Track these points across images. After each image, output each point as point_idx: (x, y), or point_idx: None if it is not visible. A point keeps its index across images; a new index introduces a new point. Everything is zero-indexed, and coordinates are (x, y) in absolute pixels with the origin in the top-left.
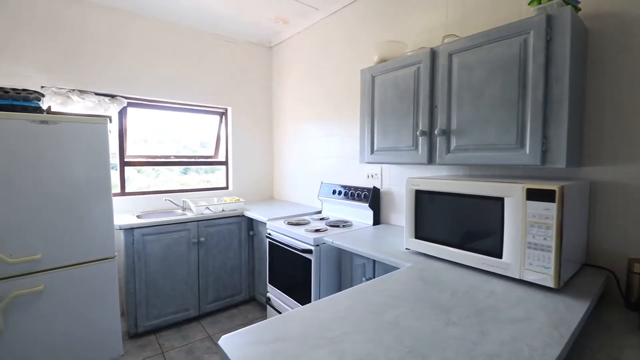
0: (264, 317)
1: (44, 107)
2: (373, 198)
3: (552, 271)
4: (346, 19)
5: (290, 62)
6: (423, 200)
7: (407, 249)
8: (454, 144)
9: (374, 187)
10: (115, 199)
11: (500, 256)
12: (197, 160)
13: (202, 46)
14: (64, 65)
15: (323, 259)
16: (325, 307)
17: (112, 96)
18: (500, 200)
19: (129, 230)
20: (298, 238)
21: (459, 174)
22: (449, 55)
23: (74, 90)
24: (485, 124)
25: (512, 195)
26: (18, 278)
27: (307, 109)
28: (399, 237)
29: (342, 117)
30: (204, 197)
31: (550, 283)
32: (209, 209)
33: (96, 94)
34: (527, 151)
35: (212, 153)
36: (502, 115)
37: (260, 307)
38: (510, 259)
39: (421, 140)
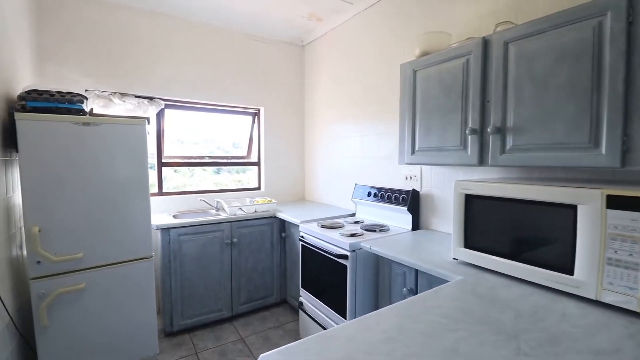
0: (296, 320)
1: (87, 109)
2: (412, 201)
3: (639, 293)
4: (383, 13)
5: (322, 61)
6: (474, 206)
7: (454, 259)
8: (510, 143)
9: (413, 189)
10: (153, 199)
11: (571, 272)
12: (230, 161)
13: (235, 47)
14: (106, 69)
15: (359, 266)
16: (371, 325)
17: (151, 98)
18: (572, 208)
19: (166, 230)
20: (333, 242)
21: (512, 176)
22: (504, 44)
23: (115, 93)
24: (549, 119)
25: (588, 202)
26: (61, 276)
27: (341, 108)
28: (443, 245)
29: (378, 116)
30: (237, 197)
31: (637, 307)
32: (242, 209)
33: (136, 96)
34: (603, 151)
35: (244, 154)
36: (572, 110)
37: (292, 311)
38: (584, 276)
39: (471, 139)
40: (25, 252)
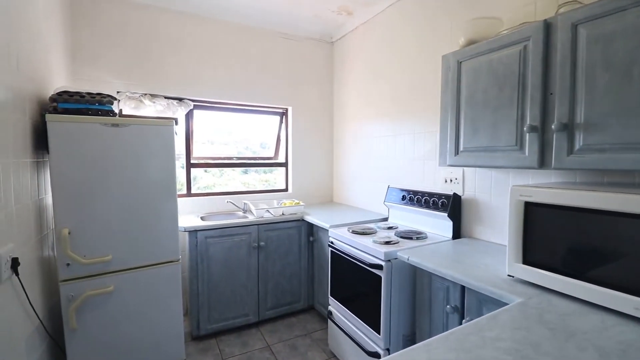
0: (324, 329)
1: (118, 110)
2: (453, 206)
3: None
4: (420, 2)
5: (352, 57)
6: (536, 216)
7: (510, 276)
8: (580, 142)
9: (454, 193)
10: (181, 200)
11: None
12: (257, 162)
13: (263, 45)
14: (137, 70)
15: (395, 277)
16: None
17: (180, 99)
18: None
19: (193, 232)
20: (365, 250)
21: (573, 180)
22: (572, 27)
23: (145, 94)
24: (633, 114)
25: None
26: (90, 279)
27: (372, 106)
28: (492, 258)
29: (414, 114)
30: (264, 199)
31: None
32: (269, 212)
33: (165, 97)
34: None
35: (271, 154)
36: None
37: (319, 318)
38: None
39: (529, 138)
40: (56, 254)
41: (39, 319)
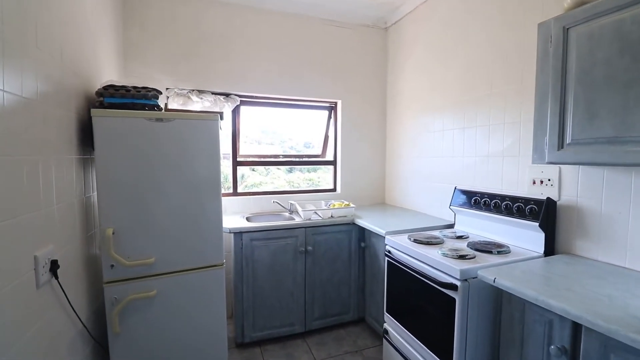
0: (377, 346)
1: (163, 105)
2: (546, 214)
3: None
4: None
5: (410, 42)
6: None
7: None
8: None
9: (548, 198)
10: (227, 199)
11: None
12: (304, 160)
13: (311, 34)
14: (185, 66)
15: (473, 300)
16: None
17: (227, 95)
18: None
19: (238, 234)
20: (433, 265)
21: None
22: None
23: (193, 90)
24: None
25: None
26: (133, 281)
27: (434, 96)
28: (612, 286)
29: (488, 102)
30: (310, 199)
31: None
32: (317, 214)
33: (212, 93)
34: None
35: (319, 152)
36: None
37: (370, 333)
38: None
39: None
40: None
41: (82, 323)
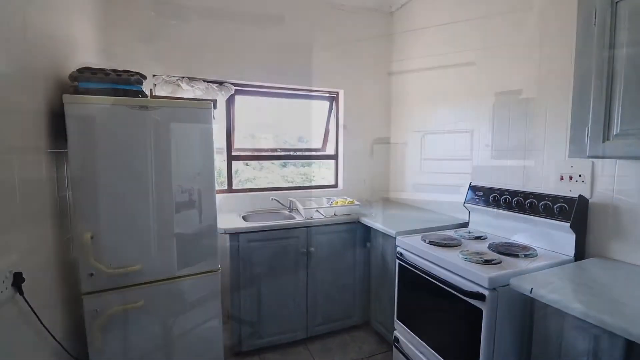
0: (384, 352)
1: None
2: (578, 214)
3: None
4: None
5: (417, 28)
6: None
7: None
8: None
9: (580, 196)
10: (222, 196)
11: None
12: (303, 154)
13: (311, 17)
14: (174, 51)
15: (502, 311)
16: None
17: (220, 83)
18: None
19: (235, 235)
20: (455, 271)
21: None
22: None
23: (183, 77)
24: None
25: None
26: (117, 291)
27: (445, 85)
28: None
29: (509, 91)
30: (310, 196)
31: None
32: (319, 212)
33: (205, 80)
34: None
35: (319, 145)
36: None
37: (377, 339)
38: None
39: None
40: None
41: (57, 340)
